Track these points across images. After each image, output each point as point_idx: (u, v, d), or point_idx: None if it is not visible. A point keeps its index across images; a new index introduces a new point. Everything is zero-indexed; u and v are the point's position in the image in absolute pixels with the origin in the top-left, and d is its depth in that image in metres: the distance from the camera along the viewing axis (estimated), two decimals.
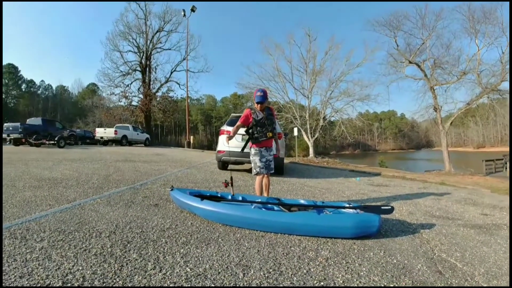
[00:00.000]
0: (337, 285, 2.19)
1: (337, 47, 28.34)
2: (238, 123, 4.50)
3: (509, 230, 3.68)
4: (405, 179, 9.82)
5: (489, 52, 22.08)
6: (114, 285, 2.01)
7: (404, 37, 22.16)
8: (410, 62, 21.43)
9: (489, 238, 3.58)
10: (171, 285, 2.05)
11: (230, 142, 7.79)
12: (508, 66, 17.23)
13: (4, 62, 72.28)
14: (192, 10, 28.63)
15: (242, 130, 7.65)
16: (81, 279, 2.05)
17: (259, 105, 4.43)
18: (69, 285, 1.97)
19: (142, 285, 2.03)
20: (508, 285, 2.28)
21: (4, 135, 17.23)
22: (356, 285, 2.21)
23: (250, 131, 4.50)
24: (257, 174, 4.54)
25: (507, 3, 17.29)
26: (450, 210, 5.06)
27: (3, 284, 1.88)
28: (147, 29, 34.54)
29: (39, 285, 1.96)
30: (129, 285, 2.02)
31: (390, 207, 3.67)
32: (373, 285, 2.22)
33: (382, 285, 2.23)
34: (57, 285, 1.96)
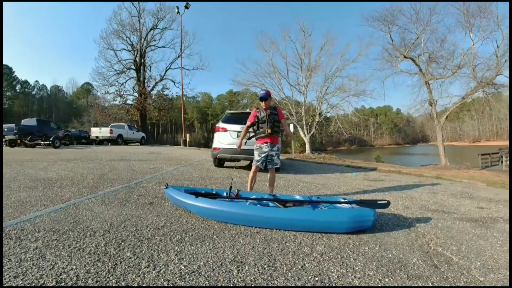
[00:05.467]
0: (332, 280, 2.19)
1: (332, 43, 28.17)
2: (248, 123, 4.88)
3: (509, 229, 3.68)
4: (401, 174, 9.84)
5: (484, 46, 22.17)
6: (107, 284, 2.00)
7: (399, 32, 22.08)
8: (405, 57, 21.37)
9: (485, 231, 3.58)
10: (164, 283, 2.04)
11: (225, 139, 7.91)
12: (503, 60, 17.26)
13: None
14: (186, 7, 28.41)
15: (237, 127, 7.71)
16: (75, 278, 2.04)
17: (263, 103, 4.69)
18: (62, 284, 1.96)
19: (135, 284, 2.01)
20: (508, 285, 2.27)
21: None
22: (351, 280, 2.21)
23: (253, 128, 4.82)
24: (254, 165, 4.80)
25: (507, 2, 17.29)
26: (446, 204, 5.08)
27: (3, 285, 1.86)
28: (140, 27, 34.51)
29: (33, 284, 1.95)
30: (123, 284, 2.00)
31: (386, 202, 3.67)
32: (367, 281, 2.22)
33: (377, 283, 2.22)
34: (51, 285, 1.95)
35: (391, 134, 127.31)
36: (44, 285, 1.90)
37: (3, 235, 2.83)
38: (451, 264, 2.58)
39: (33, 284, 1.95)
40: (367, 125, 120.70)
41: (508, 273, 2.43)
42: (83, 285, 1.97)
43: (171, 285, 2.02)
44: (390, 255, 2.69)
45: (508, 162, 23.51)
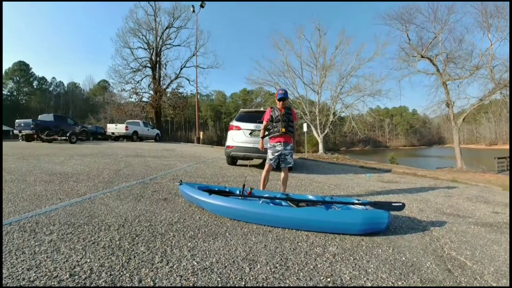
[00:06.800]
0: (344, 281, 2.17)
1: (347, 42, 28.00)
2: (264, 123, 4.94)
3: (509, 230, 3.61)
4: (416, 176, 9.69)
5: (502, 47, 21.58)
6: (121, 278, 2.02)
7: (416, 31, 21.71)
8: (422, 57, 20.97)
9: (500, 236, 3.51)
10: (177, 279, 2.06)
11: (239, 137, 7.92)
12: None
13: (15, 60, 73.52)
14: (201, 6, 28.47)
15: (250, 126, 7.72)
16: (89, 271, 2.08)
17: (280, 102, 4.77)
18: (76, 277, 2.00)
19: (148, 278, 2.04)
20: (509, 285, 2.23)
21: (16, 131, 17.59)
22: (363, 282, 2.19)
23: (268, 127, 4.88)
24: (267, 164, 4.85)
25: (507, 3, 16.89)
26: (461, 207, 4.99)
27: (3, 284, 1.89)
28: (156, 25, 34.92)
29: (47, 277, 1.98)
30: (136, 278, 2.03)
31: (401, 204, 3.62)
32: (380, 284, 2.20)
33: (390, 284, 2.20)
34: (65, 277, 1.98)
35: (407, 136, 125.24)
36: (46, 285, 1.91)
37: (16, 227, 2.89)
38: (465, 269, 2.54)
39: (46, 277, 1.98)
40: (382, 125, 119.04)
41: None
42: (96, 278, 2.00)
43: (184, 280, 2.04)
44: (404, 258, 2.66)
45: None
